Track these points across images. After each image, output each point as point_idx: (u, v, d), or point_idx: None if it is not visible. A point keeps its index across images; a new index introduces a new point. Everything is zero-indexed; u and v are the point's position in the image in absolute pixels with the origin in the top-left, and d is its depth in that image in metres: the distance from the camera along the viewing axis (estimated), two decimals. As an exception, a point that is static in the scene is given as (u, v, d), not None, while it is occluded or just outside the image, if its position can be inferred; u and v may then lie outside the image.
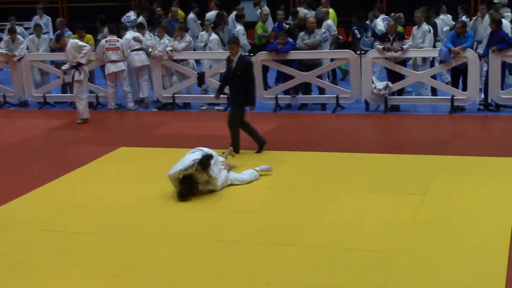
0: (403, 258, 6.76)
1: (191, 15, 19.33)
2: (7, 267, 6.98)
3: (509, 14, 15.91)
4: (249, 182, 9.26)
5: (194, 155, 8.87)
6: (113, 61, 14.79)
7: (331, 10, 17.16)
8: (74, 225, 8.09)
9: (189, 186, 8.66)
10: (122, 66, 14.92)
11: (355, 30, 15.76)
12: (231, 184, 9.16)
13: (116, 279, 6.59)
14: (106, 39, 14.90)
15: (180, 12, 19.37)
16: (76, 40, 13.99)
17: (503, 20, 14.24)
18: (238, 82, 10.45)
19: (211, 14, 18.44)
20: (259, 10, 18.43)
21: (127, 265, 6.90)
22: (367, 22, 16.62)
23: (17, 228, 8.07)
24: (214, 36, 15.22)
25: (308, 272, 6.53)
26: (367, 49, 14.55)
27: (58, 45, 15.15)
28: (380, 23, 16.17)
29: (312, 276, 6.46)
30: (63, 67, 13.90)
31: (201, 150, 9.01)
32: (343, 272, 6.51)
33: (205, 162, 8.69)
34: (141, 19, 17.96)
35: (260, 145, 10.72)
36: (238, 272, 6.63)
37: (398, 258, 6.76)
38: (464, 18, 15.84)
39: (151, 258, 7.01)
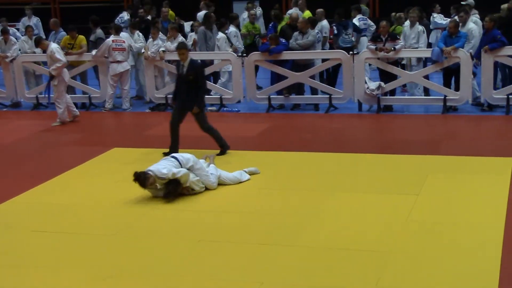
0: (396, 258, 6.77)
1: (202, 12, 19.22)
2: (-1, 269, 6.96)
3: (477, 16, 15.93)
4: (240, 182, 9.26)
5: (164, 166, 8.80)
6: (118, 61, 14.82)
7: (307, 12, 17.16)
8: (66, 226, 8.06)
9: (175, 186, 8.66)
10: (127, 66, 15.04)
11: (334, 27, 15.80)
12: (223, 184, 9.15)
13: (109, 280, 6.57)
14: (112, 38, 14.94)
15: (171, 12, 19.32)
16: (56, 49, 13.71)
17: (470, 23, 14.23)
18: (190, 86, 10.48)
19: (200, 14, 18.47)
20: (248, 11, 18.39)
21: (120, 266, 6.88)
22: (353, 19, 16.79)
23: (9, 229, 8.04)
24: (221, 35, 15.23)
25: (302, 273, 6.52)
26: (347, 46, 15.08)
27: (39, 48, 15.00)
28: (356, 23, 16.33)
29: (306, 276, 6.45)
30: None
31: (176, 160, 8.93)
32: (337, 272, 6.51)
33: (138, 179, 8.62)
34: (126, 18, 18.17)
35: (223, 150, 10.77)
36: (231, 273, 6.61)
37: (391, 258, 6.76)
38: (456, 18, 15.81)
39: (144, 259, 6.99)
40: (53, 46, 13.79)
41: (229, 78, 15.06)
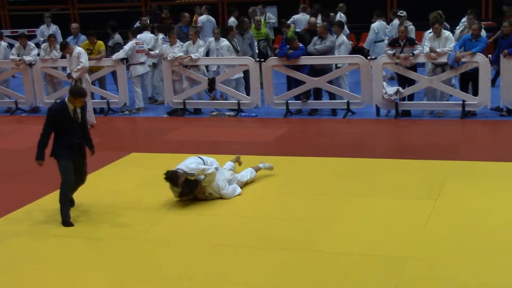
0: (414, 264, 6.73)
1: (232, 19, 19.21)
2: (16, 274, 7.01)
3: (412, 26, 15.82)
4: (248, 180, 9.38)
5: (191, 162, 8.83)
6: (141, 63, 15.48)
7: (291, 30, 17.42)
8: (84, 231, 8.10)
9: (191, 186, 8.66)
10: (147, 67, 15.86)
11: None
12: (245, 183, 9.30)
13: (126, 285, 6.60)
14: (136, 41, 15.44)
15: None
16: (83, 51, 14.01)
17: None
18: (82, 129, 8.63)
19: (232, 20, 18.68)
20: (253, 17, 18.34)
21: (137, 271, 6.90)
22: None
23: (27, 235, 8.08)
24: (225, 42, 15.22)
25: (319, 278, 6.51)
26: None
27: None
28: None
29: (323, 281, 6.44)
30: (68, 72, 14.11)
31: (201, 159, 8.95)
32: (354, 278, 6.49)
33: (170, 178, 8.57)
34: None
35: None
36: (248, 278, 6.61)
37: (409, 263, 6.73)
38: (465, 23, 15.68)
39: (162, 264, 7.01)
40: (80, 49, 14.09)
41: (235, 85, 15.05)
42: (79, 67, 13.69)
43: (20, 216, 8.73)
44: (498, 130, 12.93)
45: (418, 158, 10.55)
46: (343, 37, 14.65)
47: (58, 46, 15.88)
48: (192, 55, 14.66)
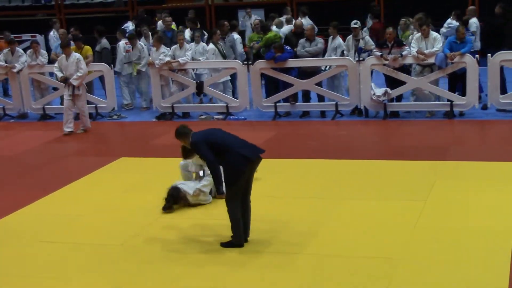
0: (405, 264, 6.75)
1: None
2: (8, 280, 6.97)
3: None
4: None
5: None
6: (129, 62, 15.93)
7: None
8: (74, 236, 8.08)
9: (174, 197, 8.70)
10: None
11: None
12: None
13: (117, 291, 6.59)
14: (125, 41, 15.97)
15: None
16: (81, 57, 13.97)
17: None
18: None
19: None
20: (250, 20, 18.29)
21: (128, 275, 6.89)
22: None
23: (17, 240, 8.06)
24: (210, 46, 15.19)
25: (310, 281, 6.51)
26: None
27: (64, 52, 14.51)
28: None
29: (314, 284, 6.45)
30: (62, 76, 13.88)
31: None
32: (345, 280, 6.50)
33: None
34: (131, 28, 18.46)
35: None
36: (241, 281, 6.61)
37: (400, 265, 6.75)
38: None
39: (152, 268, 6.99)
40: (78, 55, 14.01)
41: (223, 88, 15.03)
42: (80, 74, 13.60)
43: (10, 222, 8.69)
44: (486, 130, 13.00)
45: (406, 159, 10.58)
46: (339, 40, 14.57)
47: (43, 52, 15.88)
48: (180, 59, 14.65)
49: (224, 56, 15.16)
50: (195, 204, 8.85)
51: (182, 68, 14.87)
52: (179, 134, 7.71)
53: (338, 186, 9.40)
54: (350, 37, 14.36)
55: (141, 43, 16.09)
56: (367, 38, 14.76)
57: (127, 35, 16.57)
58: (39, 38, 21.09)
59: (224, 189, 7.41)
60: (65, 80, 13.79)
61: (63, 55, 13.98)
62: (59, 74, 13.96)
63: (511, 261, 6.64)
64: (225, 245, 7.44)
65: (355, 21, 14.45)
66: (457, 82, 13.63)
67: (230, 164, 7.26)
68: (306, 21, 17.24)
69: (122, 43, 15.97)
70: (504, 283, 6.20)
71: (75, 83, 13.62)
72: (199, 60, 15.04)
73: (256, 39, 15.74)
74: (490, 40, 15.72)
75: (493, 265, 6.61)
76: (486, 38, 15.87)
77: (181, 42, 14.95)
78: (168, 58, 14.68)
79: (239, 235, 7.41)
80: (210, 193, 8.96)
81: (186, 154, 7.96)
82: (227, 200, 7.37)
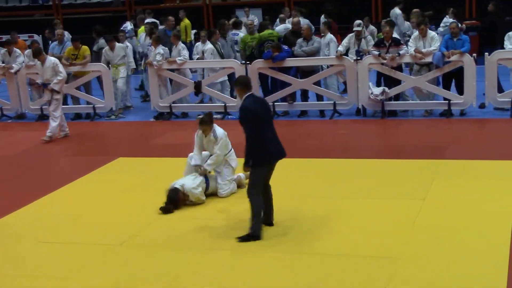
0: (404, 263, 6.76)
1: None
2: (7, 280, 6.97)
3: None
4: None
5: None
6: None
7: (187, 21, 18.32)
8: (73, 236, 8.08)
9: (174, 200, 8.71)
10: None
11: None
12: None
13: (116, 290, 6.59)
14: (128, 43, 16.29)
15: (187, 21, 19.42)
16: (58, 61, 13.60)
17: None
18: None
19: None
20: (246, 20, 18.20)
21: (127, 275, 6.89)
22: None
23: (16, 240, 8.05)
24: (208, 46, 15.17)
25: (310, 279, 6.52)
26: None
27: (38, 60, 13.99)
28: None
29: (314, 283, 6.45)
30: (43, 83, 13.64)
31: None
32: (345, 278, 6.51)
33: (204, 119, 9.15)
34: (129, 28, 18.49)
35: None
36: (239, 281, 6.61)
37: (399, 263, 6.75)
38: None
39: (151, 268, 7.00)
40: (54, 59, 13.67)
41: (221, 88, 15.02)
42: (60, 78, 13.31)
43: (9, 223, 8.69)
44: (484, 128, 13.00)
45: (405, 158, 10.59)
46: (330, 36, 14.63)
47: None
48: (177, 59, 14.64)
49: (222, 56, 15.16)
50: (194, 204, 8.84)
51: (180, 68, 14.88)
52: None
53: (336, 185, 9.41)
54: (352, 35, 14.38)
55: (127, 43, 16.17)
56: (369, 37, 14.79)
57: (127, 35, 16.63)
58: (37, 38, 21.09)
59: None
60: (44, 85, 13.55)
61: (38, 61, 13.71)
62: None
63: (509, 258, 6.65)
64: (243, 239, 7.55)
65: (358, 22, 14.47)
66: (451, 79, 13.64)
67: (261, 155, 7.62)
68: (302, 21, 17.19)
69: (129, 45, 16.31)
70: (503, 281, 6.21)
71: (56, 87, 13.30)
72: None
73: (249, 40, 15.64)
74: (485, 38, 15.77)
75: (492, 262, 6.62)
76: (482, 37, 15.95)
77: (174, 41, 14.97)
78: (160, 57, 14.69)
79: (258, 228, 7.58)
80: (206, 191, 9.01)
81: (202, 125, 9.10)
82: (249, 190, 7.63)
